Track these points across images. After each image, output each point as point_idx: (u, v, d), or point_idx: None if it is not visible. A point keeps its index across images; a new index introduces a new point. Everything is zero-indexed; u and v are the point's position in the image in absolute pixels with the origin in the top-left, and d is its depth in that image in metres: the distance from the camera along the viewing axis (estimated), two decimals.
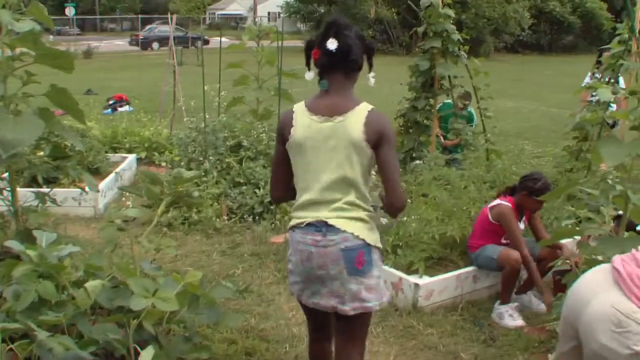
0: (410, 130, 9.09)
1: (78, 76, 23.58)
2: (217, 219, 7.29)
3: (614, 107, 8.06)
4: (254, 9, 57.69)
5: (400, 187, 3.21)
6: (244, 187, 7.60)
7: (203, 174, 7.72)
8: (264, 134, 8.10)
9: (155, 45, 46.46)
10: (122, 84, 22.46)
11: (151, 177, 4.59)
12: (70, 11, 54.35)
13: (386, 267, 5.51)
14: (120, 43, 50.14)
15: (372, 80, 3.33)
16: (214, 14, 77.88)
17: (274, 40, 8.67)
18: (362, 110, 3.17)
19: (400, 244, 5.77)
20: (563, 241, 5.34)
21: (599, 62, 9.83)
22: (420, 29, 8.73)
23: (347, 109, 3.18)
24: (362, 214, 3.22)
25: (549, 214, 6.35)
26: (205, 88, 8.64)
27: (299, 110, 3.30)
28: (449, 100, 9.04)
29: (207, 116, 8.57)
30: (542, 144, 13.40)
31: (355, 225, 3.18)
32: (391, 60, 36.18)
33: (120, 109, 16.85)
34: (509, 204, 5.46)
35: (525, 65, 38.41)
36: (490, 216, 5.51)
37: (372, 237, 3.24)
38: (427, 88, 8.87)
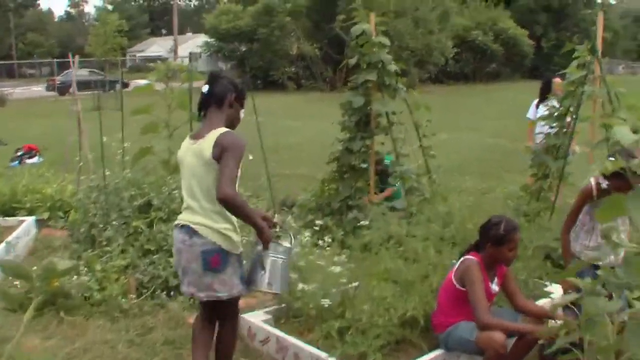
0: (345, 176, 8.03)
1: None
2: (124, 298, 6.00)
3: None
4: (174, 50, 56.43)
5: (228, 182, 3.72)
6: (155, 256, 6.33)
7: (105, 242, 6.49)
8: (176, 190, 6.84)
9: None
10: (36, 133, 20.83)
11: (15, 272, 3.43)
12: None
13: None
14: (38, 89, 48.14)
15: (241, 115, 4.25)
16: (135, 56, 76.33)
17: (186, 80, 7.54)
18: (216, 133, 3.91)
19: (350, 329, 4.63)
20: (542, 303, 4.39)
21: (545, 90, 9.13)
22: (352, 61, 7.71)
23: (206, 133, 3.96)
24: (220, 226, 3.91)
25: (523, 271, 5.32)
26: (106, 139, 7.41)
27: (186, 137, 4.23)
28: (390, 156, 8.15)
29: (107, 173, 7.26)
30: (486, 178, 12.63)
31: (214, 234, 3.91)
32: (315, 96, 35.51)
33: (28, 161, 15.61)
34: (475, 258, 4.49)
35: (452, 95, 38.02)
36: (455, 282, 4.48)
37: (228, 245, 3.94)
38: (363, 127, 7.86)
